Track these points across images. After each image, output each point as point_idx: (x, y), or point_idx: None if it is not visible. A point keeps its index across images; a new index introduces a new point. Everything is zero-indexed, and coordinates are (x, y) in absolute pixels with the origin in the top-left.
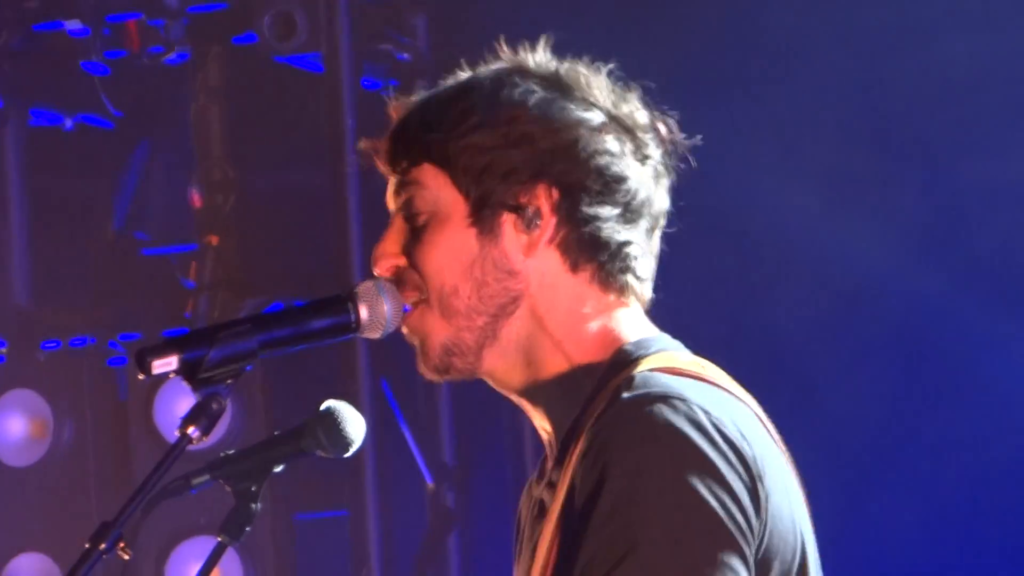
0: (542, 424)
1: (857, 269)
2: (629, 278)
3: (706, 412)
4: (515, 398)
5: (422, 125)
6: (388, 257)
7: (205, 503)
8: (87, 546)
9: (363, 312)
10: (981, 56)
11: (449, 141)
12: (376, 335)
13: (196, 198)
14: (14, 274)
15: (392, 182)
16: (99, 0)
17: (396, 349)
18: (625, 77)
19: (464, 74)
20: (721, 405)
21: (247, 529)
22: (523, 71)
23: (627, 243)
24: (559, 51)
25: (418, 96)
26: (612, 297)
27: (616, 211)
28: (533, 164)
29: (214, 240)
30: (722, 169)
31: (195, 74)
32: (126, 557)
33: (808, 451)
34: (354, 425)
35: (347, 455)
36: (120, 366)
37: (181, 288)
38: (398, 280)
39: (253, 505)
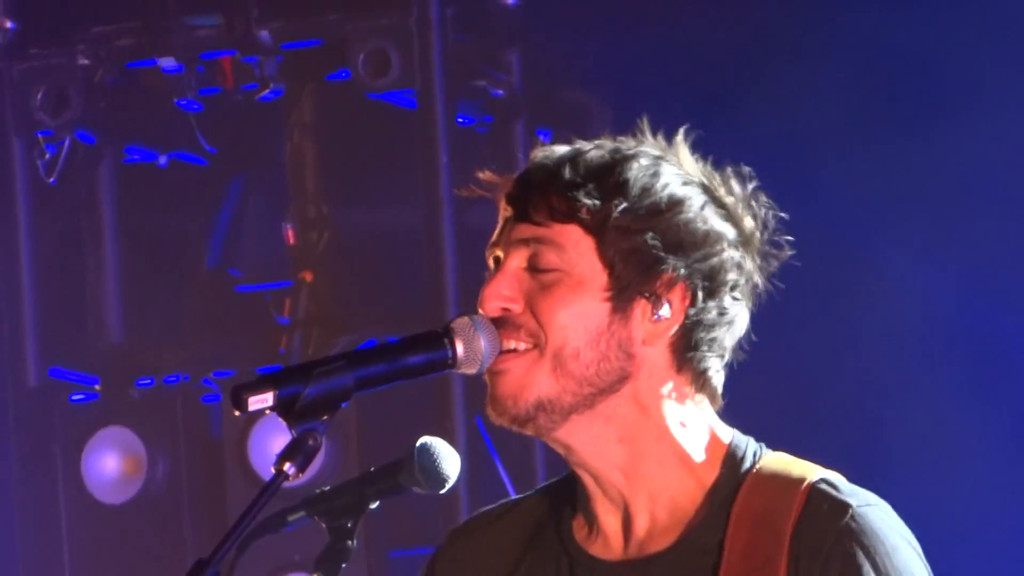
0: (604, 498)
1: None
2: (717, 383)
3: (900, 521)
4: (590, 463)
5: (576, 185)
6: (501, 299)
7: (301, 540)
8: None
9: (459, 348)
10: None
11: (608, 212)
12: (472, 371)
13: (290, 235)
14: (108, 311)
15: (518, 226)
16: (193, 38)
17: None
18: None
19: (603, 142)
20: None
21: (343, 566)
22: (674, 163)
23: (723, 356)
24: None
25: (564, 149)
26: (700, 397)
27: (725, 323)
28: (679, 260)
29: (308, 277)
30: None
31: (289, 111)
32: None
33: None
34: (450, 461)
35: (443, 491)
36: (214, 403)
37: (275, 325)
38: (502, 322)
39: (349, 542)
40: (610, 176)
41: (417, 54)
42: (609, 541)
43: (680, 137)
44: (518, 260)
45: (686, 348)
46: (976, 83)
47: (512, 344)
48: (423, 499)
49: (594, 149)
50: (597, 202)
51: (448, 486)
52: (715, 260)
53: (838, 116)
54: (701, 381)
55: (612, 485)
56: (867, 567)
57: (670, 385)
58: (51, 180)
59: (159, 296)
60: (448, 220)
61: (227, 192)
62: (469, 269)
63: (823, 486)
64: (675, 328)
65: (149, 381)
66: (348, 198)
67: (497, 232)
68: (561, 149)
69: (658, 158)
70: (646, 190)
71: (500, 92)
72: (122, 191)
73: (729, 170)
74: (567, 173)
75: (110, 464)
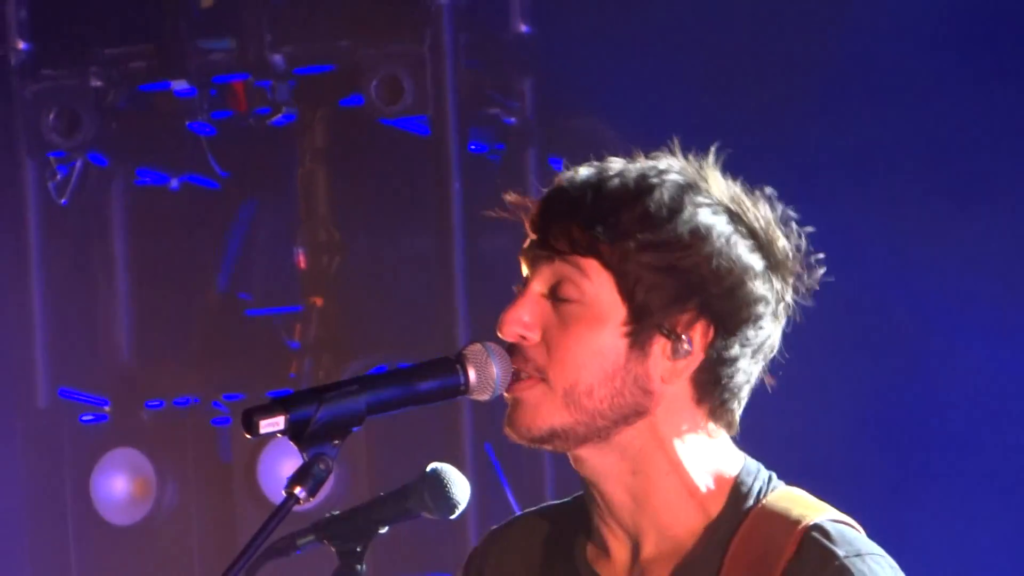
0: (615, 526)
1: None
2: (737, 412)
3: (895, 569)
4: (604, 490)
5: (595, 219)
6: (520, 325)
7: (310, 564)
8: None
9: (472, 374)
10: None
11: (626, 248)
12: (484, 397)
13: (301, 259)
14: (119, 333)
15: (541, 251)
16: (206, 61)
17: (501, 413)
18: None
19: (635, 164)
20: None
21: None
22: (700, 190)
23: (747, 383)
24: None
25: (589, 174)
26: (717, 426)
27: (750, 353)
28: (699, 297)
29: (318, 302)
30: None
31: (301, 136)
32: None
33: None
34: (460, 487)
35: (452, 517)
36: (224, 426)
37: (285, 349)
38: (517, 350)
39: (358, 566)
40: (632, 208)
41: (430, 81)
42: (615, 565)
43: (711, 158)
44: (540, 285)
45: (708, 383)
46: None
47: (520, 371)
48: (432, 524)
49: (617, 176)
50: (617, 237)
51: (458, 512)
52: (738, 296)
53: (871, 153)
54: (720, 412)
55: (622, 508)
56: None
57: (689, 418)
58: (62, 201)
59: (169, 318)
60: (459, 246)
61: (238, 216)
62: (480, 295)
63: (815, 533)
64: (696, 366)
65: (159, 403)
66: (359, 223)
67: (525, 246)
68: (585, 172)
69: (684, 186)
70: (668, 223)
71: (512, 120)
72: (133, 213)
73: (758, 193)
74: (588, 204)
75: (119, 486)
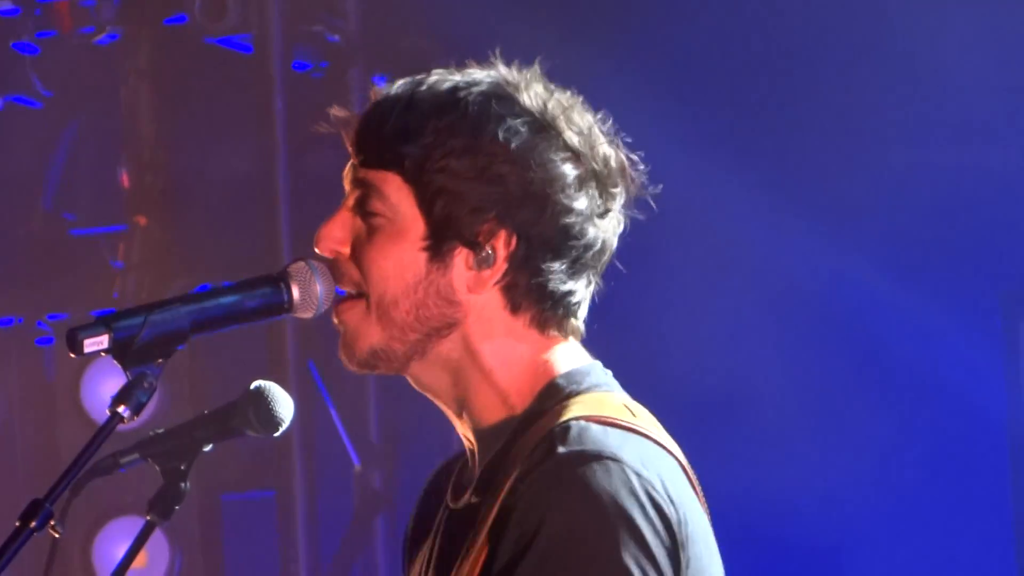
0: (465, 433)
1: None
2: (566, 322)
3: (637, 475)
4: (439, 404)
5: (399, 133)
6: (334, 241)
7: (134, 482)
8: (17, 524)
9: (295, 292)
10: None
11: (424, 161)
12: (307, 315)
13: (125, 179)
14: None
15: (353, 165)
16: None
17: (323, 331)
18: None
19: (451, 76)
20: (650, 462)
21: (176, 508)
22: (511, 101)
23: (571, 292)
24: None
25: (402, 87)
26: (548, 335)
27: (566, 263)
28: (500, 206)
29: (142, 221)
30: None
31: (125, 55)
32: (56, 535)
33: None
34: (283, 405)
35: (276, 435)
36: (47, 346)
37: (109, 269)
38: (334, 265)
39: (182, 484)
40: (436, 121)
41: None
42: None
43: (534, 68)
44: (351, 200)
45: (519, 292)
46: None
47: (341, 288)
48: (255, 443)
49: (427, 89)
50: (418, 152)
51: (282, 429)
52: (543, 205)
53: (701, 78)
54: (541, 321)
55: (456, 418)
56: (538, 512)
57: (504, 327)
58: None
59: None
60: (282, 165)
61: (62, 135)
62: (303, 214)
63: (557, 430)
64: (500, 275)
65: None
66: (184, 143)
67: (348, 164)
68: (400, 86)
69: (493, 96)
70: (470, 136)
71: (336, 37)
72: None
73: (582, 104)
74: (395, 119)
75: None
